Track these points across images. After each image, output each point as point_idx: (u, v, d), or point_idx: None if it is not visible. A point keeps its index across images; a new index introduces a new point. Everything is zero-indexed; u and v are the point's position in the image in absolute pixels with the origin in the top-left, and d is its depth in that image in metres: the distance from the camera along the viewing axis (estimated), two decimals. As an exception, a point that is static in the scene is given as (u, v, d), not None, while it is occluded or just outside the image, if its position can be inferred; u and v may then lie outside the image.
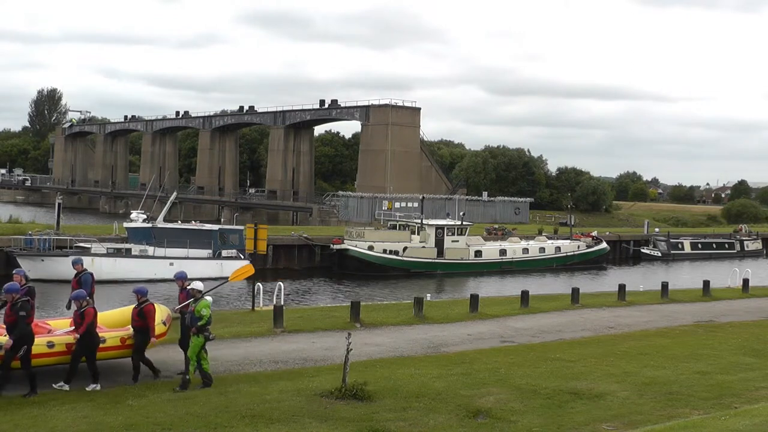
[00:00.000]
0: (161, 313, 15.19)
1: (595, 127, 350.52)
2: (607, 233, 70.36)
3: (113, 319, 15.71)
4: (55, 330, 14.43)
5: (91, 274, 16.48)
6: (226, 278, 17.00)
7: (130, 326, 14.48)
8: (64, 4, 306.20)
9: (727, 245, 74.95)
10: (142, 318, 14.14)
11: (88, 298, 13.95)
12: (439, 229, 52.52)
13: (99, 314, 15.46)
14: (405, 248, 51.04)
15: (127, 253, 42.08)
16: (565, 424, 12.28)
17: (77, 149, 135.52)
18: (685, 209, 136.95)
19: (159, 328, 14.71)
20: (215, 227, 46.59)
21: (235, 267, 44.25)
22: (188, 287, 14.52)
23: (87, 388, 13.32)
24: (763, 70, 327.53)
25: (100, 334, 13.92)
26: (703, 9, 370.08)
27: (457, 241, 52.68)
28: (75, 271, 16.57)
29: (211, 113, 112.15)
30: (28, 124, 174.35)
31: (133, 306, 14.57)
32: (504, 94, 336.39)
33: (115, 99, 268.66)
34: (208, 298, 14.45)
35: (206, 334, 13.85)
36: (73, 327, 13.72)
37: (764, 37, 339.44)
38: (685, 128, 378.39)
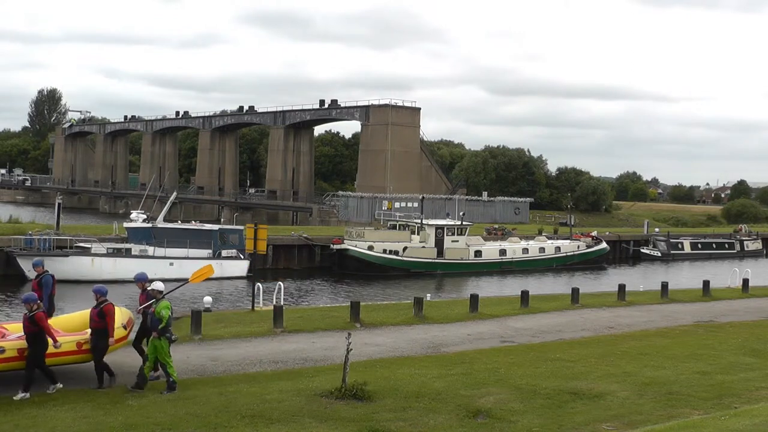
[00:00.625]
0: (122, 316, 14.57)
1: (595, 127, 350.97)
2: (607, 233, 70.36)
3: (73, 323, 14.95)
4: (9, 334, 13.73)
5: (52, 276, 15.68)
6: (187, 280, 16.17)
7: (87, 330, 13.77)
8: (64, 4, 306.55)
9: (727, 245, 74.95)
10: (102, 318, 13.53)
11: (38, 301, 13.21)
12: (439, 229, 52.53)
13: (59, 318, 15.07)
14: (405, 248, 51.04)
15: (127, 253, 42.10)
16: (565, 424, 12.27)
17: (77, 149, 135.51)
18: (685, 209, 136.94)
19: (119, 332, 14.06)
20: (215, 227, 46.61)
21: (235, 267, 44.84)
22: (148, 288, 14.17)
23: (15, 397, 12.58)
24: (763, 70, 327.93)
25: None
26: (704, 9, 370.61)
27: (457, 241, 52.69)
28: (36, 273, 15.78)
29: (211, 113, 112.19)
30: (28, 124, 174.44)
31: (92, 307, 13.85)
32: (504, 94, 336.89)
33: (115, 99, 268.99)
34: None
35: (168, 335, 13.54)
36: (23, 332, 13.07)
37: (765, 37, 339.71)
38: (685, 128, 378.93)
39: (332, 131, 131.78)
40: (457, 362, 16.85)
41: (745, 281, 34.17)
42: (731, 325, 24.04)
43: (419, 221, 53.90)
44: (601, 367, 16.66)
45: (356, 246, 50.00)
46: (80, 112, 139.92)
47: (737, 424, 11.27)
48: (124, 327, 14.46)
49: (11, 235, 42.48)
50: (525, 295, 26.56)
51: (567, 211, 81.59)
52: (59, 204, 47.12)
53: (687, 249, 71.39)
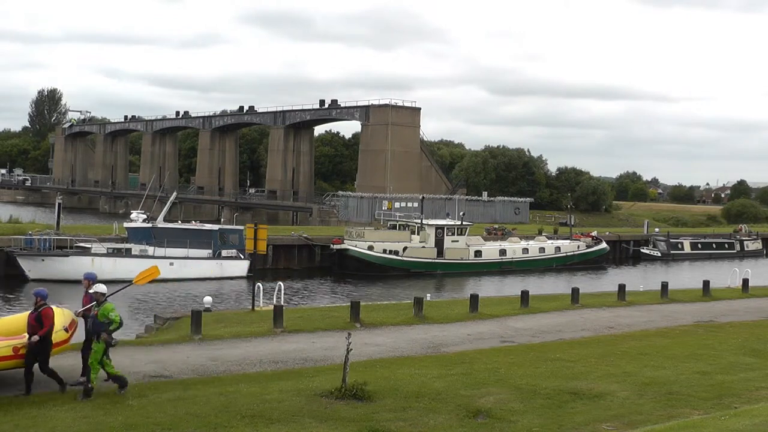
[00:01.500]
0: (64, 318, 13.78)
1: (595, 127, 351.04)
2: (607, 233, 70.37)
3: (14, 326, 14.11)
4: None
5: None
6: (131, 281, 15.09)
7: (25, 334, 13.02)
8: (64, 4, 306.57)
9: (727, 245, 74.95)
10: (40, 323, 12.80)
11: None
12: (439, 229, 52.53)
13: None
14: (405, 248, 51.04)
15: (127, 253, 42.10)
16: (565, 424, 12.27)
17: (77, 149, 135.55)
18: (685, 209, 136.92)
19: (60, 335, 13.28)
20: (215, 227, 46.65)
21: (235, 267, 44.83)
22: (91, 291, 13.51)
23: None
24: (763, 70, 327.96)
25: None
26: (704, 9, 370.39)
27: (457, 241, 52.69)
28: None
29: (211, 113, 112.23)
30: (28, 124, 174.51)
31: (30, 311, 13.19)
32: (504, 94, 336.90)
33: (115, 99, 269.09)
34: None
35: (108, 339, 12.92)
36: None
37: (765, 37, 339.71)
38: (685, 128, 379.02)
39: (332, 131, 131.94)
40: (457, 362, 16.84)
41: (745, 281, 34.12)
42: (731, 325, 24.02)
43: (419, 221, 53.90)
44: (601, 367, 16.64)
45: (356, 246, 50.00)
46: (80, 112, 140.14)
47: (737, 424, 11.26)
48: (66, 330, 13.62)
49: (11, 235, 42.51)
50: (525, 295, 26.53)
51: (567, 211, 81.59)
52: (59, 204, 47.13)
53: (687, 249, 71.40)
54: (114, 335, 13.12)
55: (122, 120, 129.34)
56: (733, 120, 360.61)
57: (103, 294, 13.24)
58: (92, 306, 13.29)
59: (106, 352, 12.99)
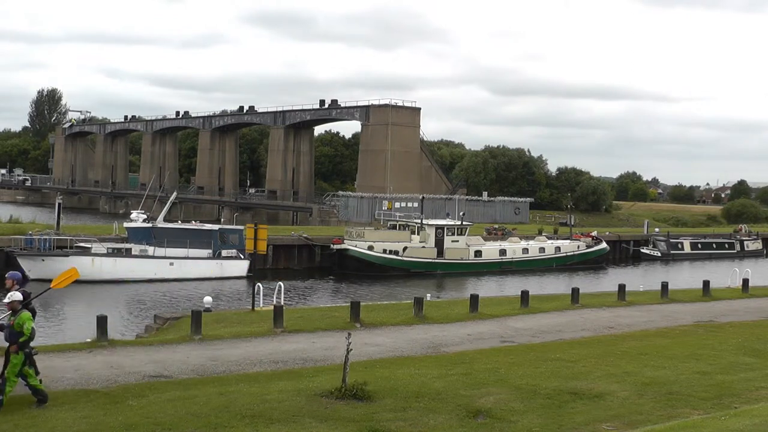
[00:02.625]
0: None
1: (595, 127, 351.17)
2: (607, 233, 70.38)
3: None
4: None
5: None
6: (49, 286, 13.80)
7: None
8: (64, 4, 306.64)
9: (727, 245, 74.96)
10: None
11: None
12: (439, 229, 52.54)
13: None
14: (405, 248, 51.04)
15: (127, 253, 42.13)
16: (565, 424, 12.27)
17: (77, 149, 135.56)
18: (685, 209, 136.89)
19: None
20: (215, 227, 46.67)
21: (235, 266, 44.80)
22: (6, 301, 12.36)
23: None
24: (764, 70, 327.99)
25: None
26: (705, 9, 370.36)
27: (457, 241, 52.70)
28: None
29: (211, 113, 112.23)
30: (28, 124, 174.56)
31: None
32: (505, 94, 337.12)
33: (116, 99, 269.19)
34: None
35: (27, 350, 12.17)
36: None
37: (765, 37, 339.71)
38: (685, 128, 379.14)
39: (332, 131, 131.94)
40: (457, 362, 16.84)
41: (745, 281, 34.10)
42: (731, 325, 24.02)
43: (419, 221, 53.90)
44: (601, 367, 16.64)
45: (356, 246, 50.01)
46: (80, 112, 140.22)
47: (737, 424, 11.26)
48: None
49: (11, 235, 42.51)
50: (525, 295, 26.52)
51: (567, 211, 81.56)
52: (59, 204, 47.12)
53: (687, 249, 71.40)
54: (31, 344, 12.29)
55: (122, 120, 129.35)
56: (733, 120, 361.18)
57: (20, 302, 12.32)
58: (8, 315, 12.39)
59: (26, 363, 12.19)
